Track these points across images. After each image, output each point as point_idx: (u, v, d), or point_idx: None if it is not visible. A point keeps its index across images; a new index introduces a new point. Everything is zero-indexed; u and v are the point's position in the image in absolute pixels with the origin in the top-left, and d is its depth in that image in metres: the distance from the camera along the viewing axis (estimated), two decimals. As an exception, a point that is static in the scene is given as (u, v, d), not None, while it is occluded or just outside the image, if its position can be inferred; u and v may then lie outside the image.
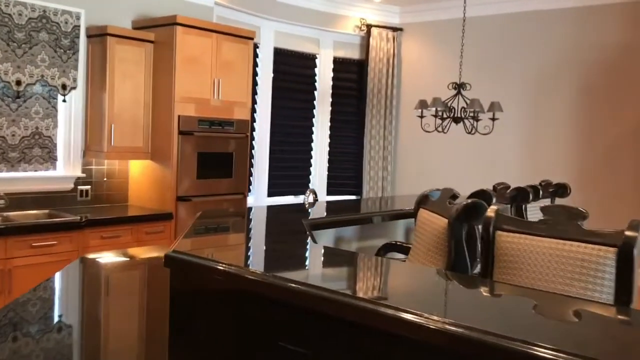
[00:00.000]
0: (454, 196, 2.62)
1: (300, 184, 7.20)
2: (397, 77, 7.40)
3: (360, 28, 7.28)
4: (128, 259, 3.51)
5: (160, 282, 3.04)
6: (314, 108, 7.23)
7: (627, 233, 1.95)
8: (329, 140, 7.35)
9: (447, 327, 1.32)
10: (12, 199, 4.50)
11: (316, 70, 7.19)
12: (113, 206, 5.03)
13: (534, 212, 3.50)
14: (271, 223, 3.11)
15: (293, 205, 4.91)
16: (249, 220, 3.19)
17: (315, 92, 7.21)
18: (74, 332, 2.19)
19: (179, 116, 4.82)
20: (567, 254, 2.03)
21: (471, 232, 2.56)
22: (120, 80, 4.78)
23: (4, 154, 4.46)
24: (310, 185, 7.27)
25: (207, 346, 1.91)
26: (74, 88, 4.77)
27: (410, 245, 3.26)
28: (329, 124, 7.33)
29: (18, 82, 4.44)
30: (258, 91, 6.49)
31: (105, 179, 5.04)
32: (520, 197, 3.18)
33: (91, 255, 3.35)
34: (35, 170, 4.65)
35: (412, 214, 3.58)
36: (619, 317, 1.62)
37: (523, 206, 3.37)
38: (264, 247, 2.45)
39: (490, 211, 2.26)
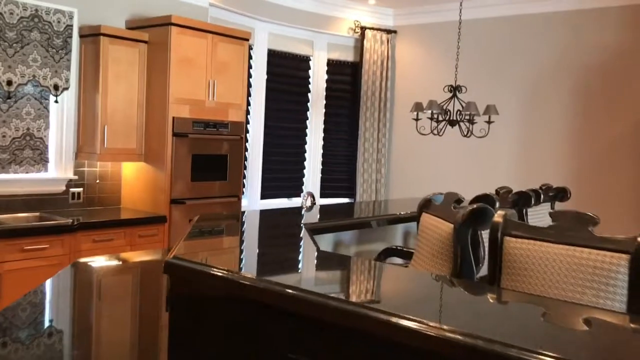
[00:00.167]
0: (459, 200, 2.58)
1: (294, 187, 7.15)
2: (391, 80, 7.37)
3: (354, 30, 7.25)
4: (121, 262, 3.45)
5: (153, 287, 2.99)
6: (308, 110, 7.18)
7: (640, 239, 1.91)
8: (322, 143, 7.30)
9: (458, 337, 1.28)
10: (2, 201, 4.41)
11: (310, 72, 7.14)
12: (105, 209, 4.95)
13: (534, 216, 3.48)
14: (271, 228, 3.06)
15: (290, 209, 4.86)
16: (248, 225, 3.14)
17: (309, 94, 7.16)
18: (65, 338, 2.14)
19: (173, 118, 4.75)
20: (578, 260, 1.99)
21: (474, 237, 2.52)
22: (114, 81, 4.70)
23: (-6, 156, 4.37)
24: (304, 188, 7.21)
25: (209, 355, 1.85)
26: (67, 89, 4.69)
27: (411, 250, 3.22)
28: (323, 126, 7.28)
29: (9, 82, 4.36)
30: (251, 93, 6.43)
31: (97, 181, 4.96)
32: (522, 201, 3.15)
33: (85, 259, 3.28)
34: (26, 172, 4.56)
35: (413, 218, 3.55)
36: (632, 325, 1.58)
37: (524, 210, 3.34)
38: (267, 254, 2.40)
39: (498, 216, 2.22)
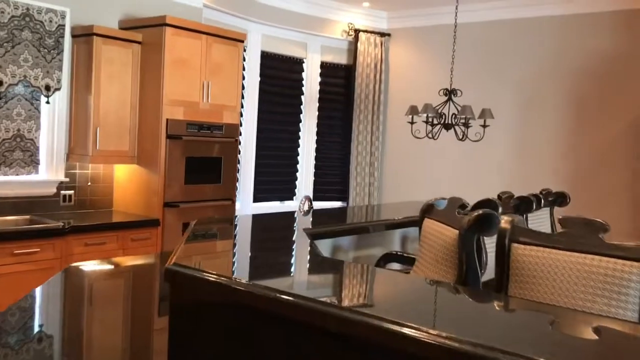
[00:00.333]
0: (463, 206, 2.54)
1: (286, 190, 7.10)
2: (385, 83, 7.34)
3: (348, 33, 7.21)
4: (113, 267, 3.39)
5: (146, 291, 2.93)
6: (301, 113, 7.13)
7: (653, 247, 1.88)
8: (315, 146, 7.25)
9: (465, 347, 1.25)
10: (-8, 204, 4.32)
11: (303, 74, 7.09)
12: (97, 212, 4.86)
13: (534, 221, 3.45)
14: (269, 233, 3.00)
15: (288, 213, 4.80)
16: (246, 230, 3.08)
17: (302, 97, 7.11)
18: (55, 343, 2.09)
19: (167, 119, 4.68)
20: (588, 268, 1.95)
21: (477, 243, 2.48)
22: (107, 81, 4.63)
23: (-16, 157, 4.28)
24: (297, 191, 7.16)
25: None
26: (58, 89, 4.60)
27: (412, 256, 3.18)
28: (316, 129, 7.23)
29: (-1, 82, 4.27)
30: (245, 95, 6.37)
31: (89, 184, 4.87)
32: (523, 206, 3.12)
33: (78, 264, 3.21)
34: (17, 174, 4.47)
35: (412, 223, 3.51)
36: (645, 335, 1.55)
37: (524, 216, 3.31)
38: (266, 260, 2.35)
39: (505, 222, 2.18)
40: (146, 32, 4.76)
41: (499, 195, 3.11)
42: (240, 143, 6.28)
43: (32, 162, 4.56)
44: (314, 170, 7.26)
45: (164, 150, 4.69)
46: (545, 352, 1.24)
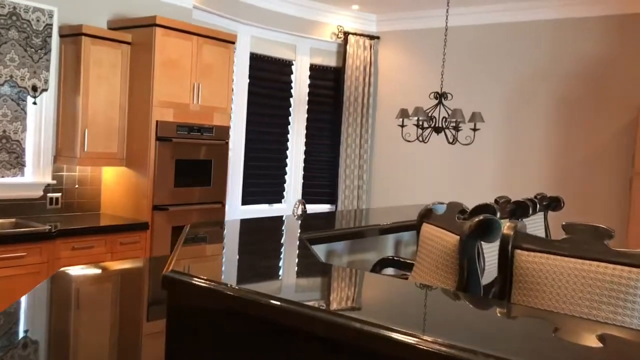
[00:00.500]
0: (463, 211, 2.51)
1: (275, 192, 7.05)
2: (374, 86, 7.33)
3: (337, 35, 7.19)
4: (101, 271, 3.33)
5: (135, 296, 2.87)
6: (290, 115, 7.09)
7: (659, 254, 1.87)
8: (304, 148, 7.21)
9: (470, 355, 1.22)
10: (-23, 207, 4.23)
11: (292, 76, 7.05)
12: (85, 215, 4.78)
13: (529, 226, 3.43)
14: (262, 238, 2.96)
15: (281, 217, 4.76)
16: (238, 235, 3.03)
17: (291, 99, 7.07)
18: (40, 349, 2.04)
19: (157, 121, 4.61)
20: (594, 275, 1.94)
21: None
22: (95, 82, 4.55)
23: (-31, 159, 4.19)
24: (285, 194, 7.12)
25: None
26: (45, 90, 4.52)
27: (408, 261, 3.15)
28: (305, 131, 7.19)
29: (-15, 83, 4.18)
30: (233, 97, 6.32)
31: (76, 186, 4.78)
32: (519, 211, 3.11)
33: (66, 268, 3.13)
34: (2, 177, 4.37)
35: (408, 227, 3.49)
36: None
37: (520, 220, 3.29)
38: (265, 266, 2.30)
39: (508, 228, 2.16)
40: (136, 33, 4.69)
41: (496, 200, 3.10)
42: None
43: (18, 164, 4.47)
44: (302, 173, 7.21)
45: (154, 152, 4.62)
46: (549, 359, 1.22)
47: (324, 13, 7.04)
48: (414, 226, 2.87)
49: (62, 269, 3.09)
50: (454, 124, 5.33)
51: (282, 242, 2.86)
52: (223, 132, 5.10)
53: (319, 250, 3.22)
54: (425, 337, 1.30)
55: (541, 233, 3.65)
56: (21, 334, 2.17)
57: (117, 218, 4.72)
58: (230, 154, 6.31)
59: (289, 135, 7.10)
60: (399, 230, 3.51)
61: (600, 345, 1.43)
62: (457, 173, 6.70)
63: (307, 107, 7.15)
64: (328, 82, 7.28)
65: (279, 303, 1.58)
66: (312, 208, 7.01)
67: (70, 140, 4.55)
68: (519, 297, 2.10)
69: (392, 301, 1.78)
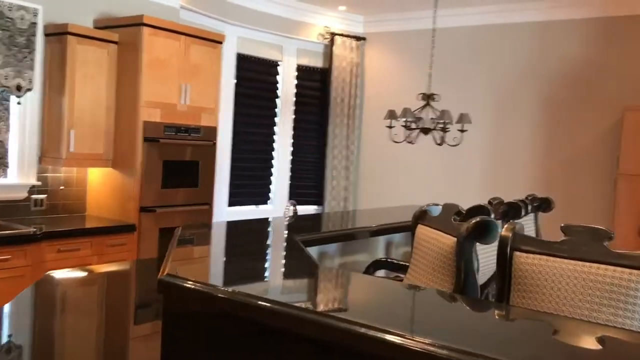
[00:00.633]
0: (459, 213, 2.50)
1: (262, 194, 7.01)
2: (361, 87, 7.33)
3: (324, 36, 7.17)
4: (87, 274, 3.27)
5: (122, 299, 2.83)
6: (276, 116, 7.05)
7: (659, 256, 1.87)
8: (291, 149, 7.18)
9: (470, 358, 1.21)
10: (-41, 209, 4.14)
11: (279, 77, 7.01)
12: (70, 216, 4.70)
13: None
14: (261, 240, 2.93)
15: (275, 219, 4.73)
16: (229, 237, 3.00)
17: (278, 100, 7.03)
18: (24, 354, 2.02)
19: (143, 122, 4.55)
20: (594, 277, 1.93)
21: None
22: (81, 82, 4.47)
23: (-49, 160, 4.09)
24: (271, 195, 7.08)
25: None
26: (30, 89, 4.43)
27: (401, 262, 3.13)
28: (292, 132, 7.16)
29: (-32, 82, 4.09)
30: (220, 97, 6.26)
31: (62, 188, 4.70)
32: (512, 212, 3.12)
33: (52, 272, 3.07)
34: (-15, 178, 4.29)
35: (401, 229, 3.47)
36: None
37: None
38: (259, 268, 2.28)
39: (507, 230, 2.15)
40: (123, 32, 4.63)
41: (489, 201, 3.10)
42: (216, 146, 6.17)
43: (1, 165, 4.38)
44: (289, 174, 7.18)
45: (141, 153, 4.56)
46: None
47: (310, 14, 7.02)
48: (406, 228, 2.86)
49: (48, 272, 3.03)
50: (441, 125, 5.34)
51: (273, 243, 2.84)
52: (211, 133, 5.05)
53: (312, 252, 3.20)
54: (415, 338, 1.29)
55: (532, 234, 3.66)
56: (5, 339, 2.13)
57: (103, 220, 4.65)
58: (217, 154, 6.26)
59: (275, 136, 7.06)
60: (392, 231, 3.50)
61: (601, 347, 1.43)
62: (444, 174, 6.71)
63: (293, 107, 7.12)
64: (315, 83, 7.25)
65: (269, 305, 1.56)
66: (299, 209, 6.97)
67: (55, 140, 4.47)
68: (518, 299, 2.09)
69: (390, 303, 1.76)
